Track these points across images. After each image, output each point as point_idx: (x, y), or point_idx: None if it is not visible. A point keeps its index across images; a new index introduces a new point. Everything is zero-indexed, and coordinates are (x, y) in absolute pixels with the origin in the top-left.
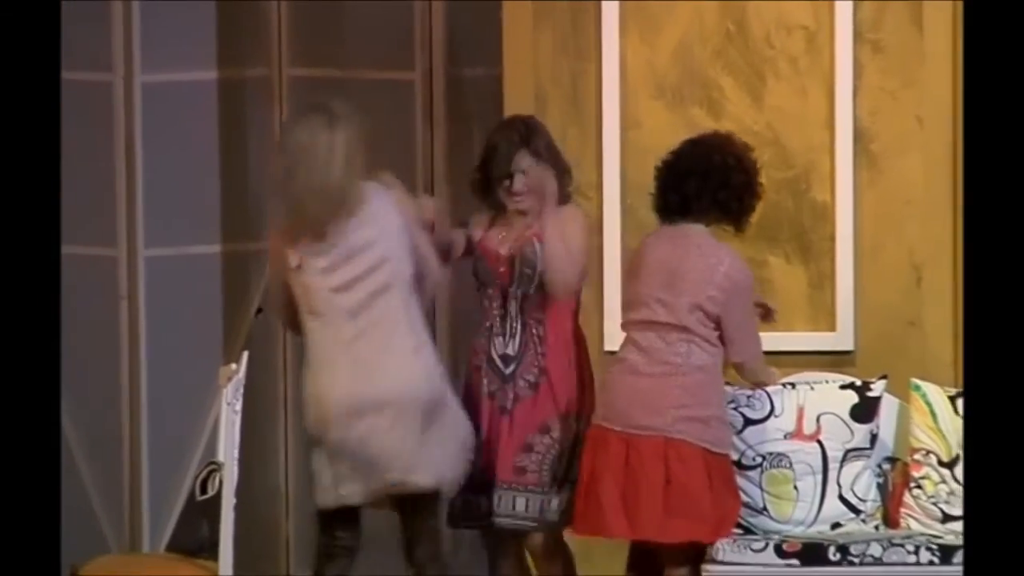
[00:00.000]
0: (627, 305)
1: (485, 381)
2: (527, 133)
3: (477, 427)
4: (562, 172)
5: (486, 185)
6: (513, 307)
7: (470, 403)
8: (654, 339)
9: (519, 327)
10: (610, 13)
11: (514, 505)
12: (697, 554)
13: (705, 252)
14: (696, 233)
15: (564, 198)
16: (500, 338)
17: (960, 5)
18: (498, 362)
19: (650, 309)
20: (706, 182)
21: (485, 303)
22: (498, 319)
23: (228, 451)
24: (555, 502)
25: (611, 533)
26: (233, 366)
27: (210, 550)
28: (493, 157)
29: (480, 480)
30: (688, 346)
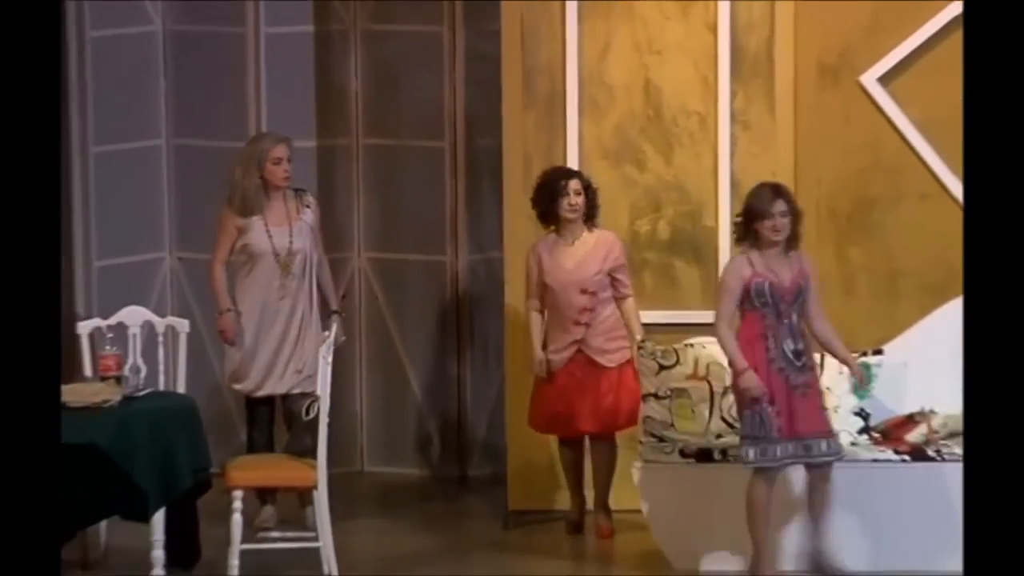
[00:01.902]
0: None
1: (780, 368)
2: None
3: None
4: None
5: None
6: (794, 318)
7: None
8: None
9: (799, 332)
10: (572, 104)
11: (828, 446)
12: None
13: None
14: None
15: None
16: (789, 340)
17: (801, 96)
18: (791, 356)
19: None
20: None
21: (764, 317)
22: (782, 327)
23: (324, 388)
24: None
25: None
26: (326, 333)
27: (312, 453)
28: (753, 209)
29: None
30: None
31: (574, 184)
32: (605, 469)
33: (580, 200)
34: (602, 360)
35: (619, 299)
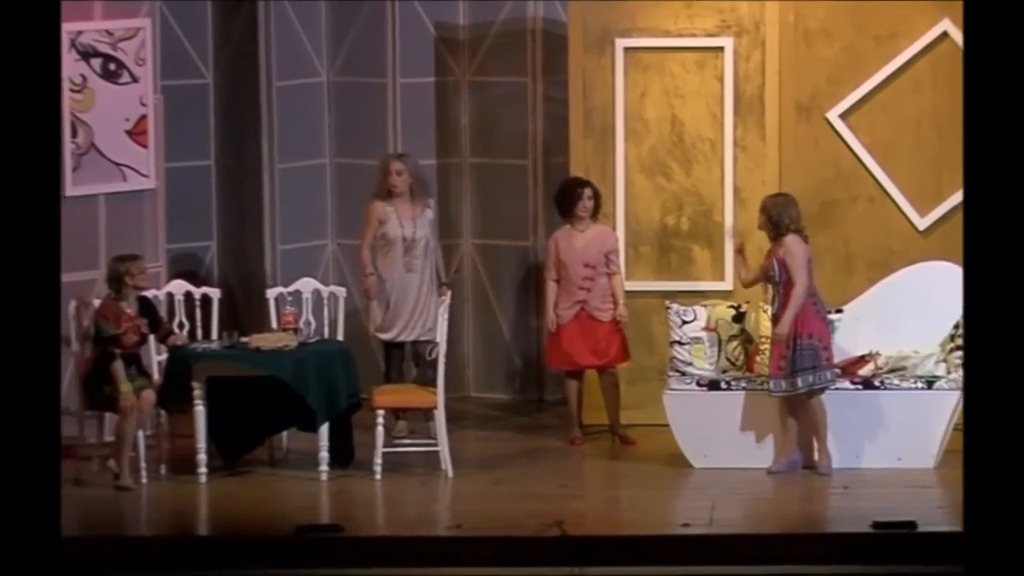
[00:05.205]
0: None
1: (824, 317)
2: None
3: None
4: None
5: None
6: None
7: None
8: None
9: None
10: (619, 133)
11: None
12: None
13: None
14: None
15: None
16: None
17: (784, 127)
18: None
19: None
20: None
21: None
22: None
23: (442, 336)
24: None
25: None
26: (443, 298)
27: (433, 383)
28: (793, 214)
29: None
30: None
31: (587, 191)
32: (613, 396)
33: (591, 203)
34: (598, 315)
35: (610, 274)
